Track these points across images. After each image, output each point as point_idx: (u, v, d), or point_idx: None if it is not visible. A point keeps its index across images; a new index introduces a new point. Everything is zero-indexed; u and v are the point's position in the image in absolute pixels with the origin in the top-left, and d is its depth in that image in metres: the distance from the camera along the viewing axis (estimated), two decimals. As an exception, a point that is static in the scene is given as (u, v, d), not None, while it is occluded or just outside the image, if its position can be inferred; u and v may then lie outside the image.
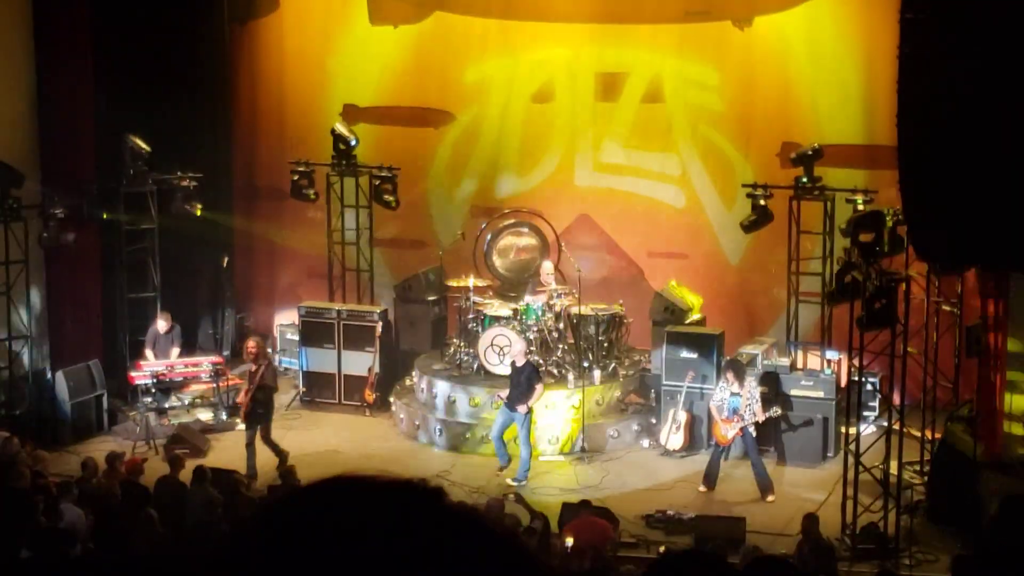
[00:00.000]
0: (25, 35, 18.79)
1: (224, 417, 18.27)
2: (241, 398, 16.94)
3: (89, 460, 15.01)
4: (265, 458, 16.57)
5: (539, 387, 16.41)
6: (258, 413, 16.58)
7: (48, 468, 15.34)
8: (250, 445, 16.43)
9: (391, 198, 19.66)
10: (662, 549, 13.56)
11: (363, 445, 17.72)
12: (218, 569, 1.58)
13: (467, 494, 15.35)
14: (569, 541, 13.23)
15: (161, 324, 18.64)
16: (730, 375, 16.07)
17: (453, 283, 18.91)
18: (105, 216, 18.72)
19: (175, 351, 18.66)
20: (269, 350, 17.00)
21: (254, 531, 1.58)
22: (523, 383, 16.32)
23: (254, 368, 16.70)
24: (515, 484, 15.97)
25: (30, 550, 10.97)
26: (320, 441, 17.83)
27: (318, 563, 1.52)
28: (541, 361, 17.23)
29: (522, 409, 16.24)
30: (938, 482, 15.23)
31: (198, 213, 19.18)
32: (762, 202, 17.79)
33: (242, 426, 17.46)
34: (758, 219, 17.85)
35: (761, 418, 15.91)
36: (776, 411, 16.21)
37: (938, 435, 15.86)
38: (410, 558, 1.51)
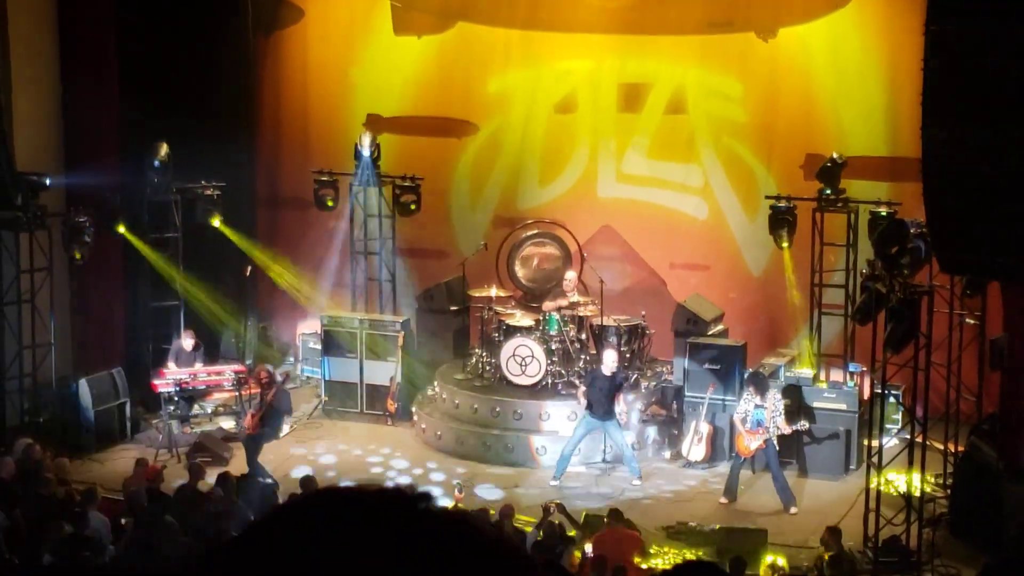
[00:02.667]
0: (50, 43, 18.90)
1: (246, 426, 18.29)
2: (248, 421, 16.78)
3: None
4: (288, 468, 16.62)
5: (621, 396, 16.57)
6: (261, 433, 16.47)
7: (70, 475, 15.40)
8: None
9: (414, 208, 19.70)
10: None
11: (384, 455, 17.72)
12: None
13: (488, 504, 15.34)
14: (588, 547, 13.23)
15: (187, 342, 18.66)
16: (752, 389, 16.04)
17: (475, 293, 18.95)
18: (121, 229, 18.75)
19: (198, 366, 18.67)
20: (278, 377, 17.05)
21: (238, 551, 1.58)
22: (610, 393, 16.38)
23: (270, 397, 16.59)
24: (638, 482, 16.38)
25: (55, 557, 11.03)
26: (341, 450, 17.86)
27: None
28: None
29: (622, 420, 16.42)
30: (961, 495, 15.17)
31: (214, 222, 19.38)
32: (779, 217, 17.72)
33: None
34: (787, 230, 17.74)
35: (787, 430, 15.88)
36: (804, 424, 16.17)
37: (961, 448, 15.80)
38: (393, 564, 1.52)
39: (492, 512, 13.88)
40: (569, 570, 11.94)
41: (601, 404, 16.38)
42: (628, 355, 18.07)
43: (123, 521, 13.13)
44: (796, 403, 16.58)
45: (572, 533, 13.82)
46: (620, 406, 16.45)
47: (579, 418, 16.76)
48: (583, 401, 16.58)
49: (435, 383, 18.74)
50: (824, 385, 17.39)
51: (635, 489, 16.37)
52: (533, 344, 17.66)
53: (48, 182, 17.63)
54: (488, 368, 18.27)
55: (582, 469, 16.91)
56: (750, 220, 19.70)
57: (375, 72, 21.40)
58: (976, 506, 14.69)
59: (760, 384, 16.13)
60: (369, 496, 1.61)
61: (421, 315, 19.92)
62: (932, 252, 13.43)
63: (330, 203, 20.08)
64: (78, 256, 17.93)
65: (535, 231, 19.70)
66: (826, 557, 13.28)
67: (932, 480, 15.73)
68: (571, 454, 16.53)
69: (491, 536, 1.60)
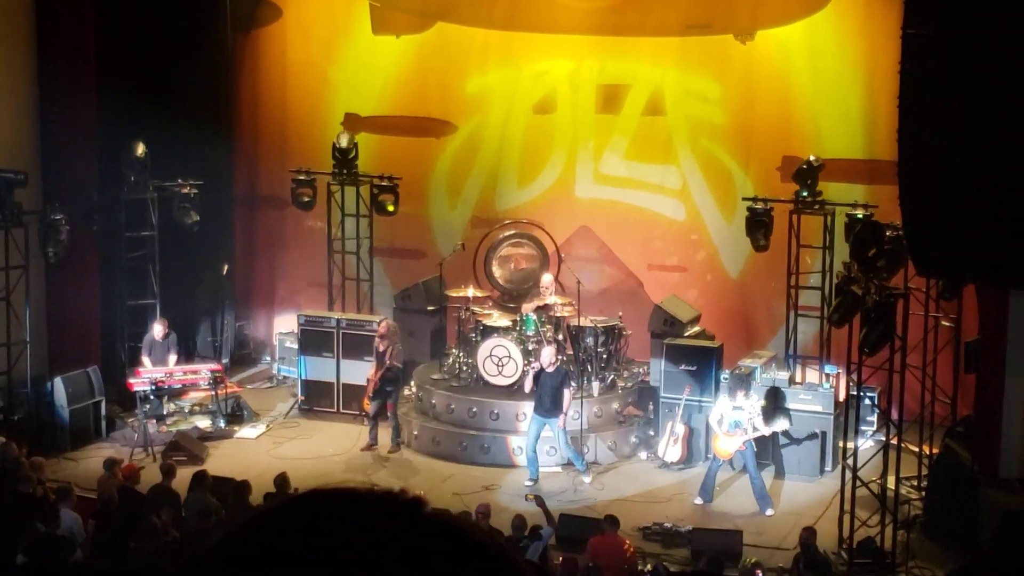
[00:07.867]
0: (28, 41, 18.80)
1: (223, 425, 18.26)
2: (371, 375, 17.61)
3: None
4: (263, 467, 16.57)
5: (567, 392, 16.52)
6: (387, 391, 17.49)
7: (45, 474, 15.32)
8: (374, 418, 17.48)
9: (391, 207, 19.68)
10: (648, 568, 13.47)
11: (361, 454, 17.68)
12: None
13: (465, 503, 15.33)
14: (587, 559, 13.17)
15: (157, 330, 18.64)
16: (740, 393, 16.02)
17: (452, 293, 18.93)
18: (95, 228, 18.65)
19: (172, 358, 18.64)
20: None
21: (231, 546, 1.58)
22: (554, 390, 16.38)
23: (382, 348, 17.47)
24: (587, 480, 16.48)
25: (27, 556, 10.98)
26: (318, 450, 17.81)
27: None
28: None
29: (561, 422, 16.39)
30: (936, 497, 15.23)
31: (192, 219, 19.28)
32: (756, 219, 17.76)
33: (241, 433, 17.90)
34: (764, 232, 17.79)
35: (767, 431, 15.92)
36: (785, 425, 16.20)
37: (936, 450, 15.86)
38: (387, 567, 1.52)
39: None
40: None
41: (544, 401, 16.44)
42: (605, 356, 18.09)
43: (91, 519, 13.09)
44: (773, 404, 16.62)
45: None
46: (566, 400, 16.46)
47: (528, 418, 16.80)
48: (529, 384, 16.61)
49: (411, 383, 18.73)
50: (800, 387, 17.43)
51: (586, 487, 16.37)
52: (510, 344, 17.66)
53: (24, 179, 17.53)
54: (465, 368, 18.25)
55: (558, 470, 16.91)
56: (727, 222, 19.74)
57: (354, 71, 21.37)
58: (950, 508, 14.76)
59: (738, 386, 16.15)
60: (362, 498, 1.60)
61: (398, 315, 19.90)
62: (908, 255, 13.48)
63: (307, 199, 19.98)
64: (53, 253, 17.82)
65: (513, 231, 19.70)
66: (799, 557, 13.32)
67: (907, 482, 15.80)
68: (535, 453, 16.56)
69: (485, 541, 1.60)
